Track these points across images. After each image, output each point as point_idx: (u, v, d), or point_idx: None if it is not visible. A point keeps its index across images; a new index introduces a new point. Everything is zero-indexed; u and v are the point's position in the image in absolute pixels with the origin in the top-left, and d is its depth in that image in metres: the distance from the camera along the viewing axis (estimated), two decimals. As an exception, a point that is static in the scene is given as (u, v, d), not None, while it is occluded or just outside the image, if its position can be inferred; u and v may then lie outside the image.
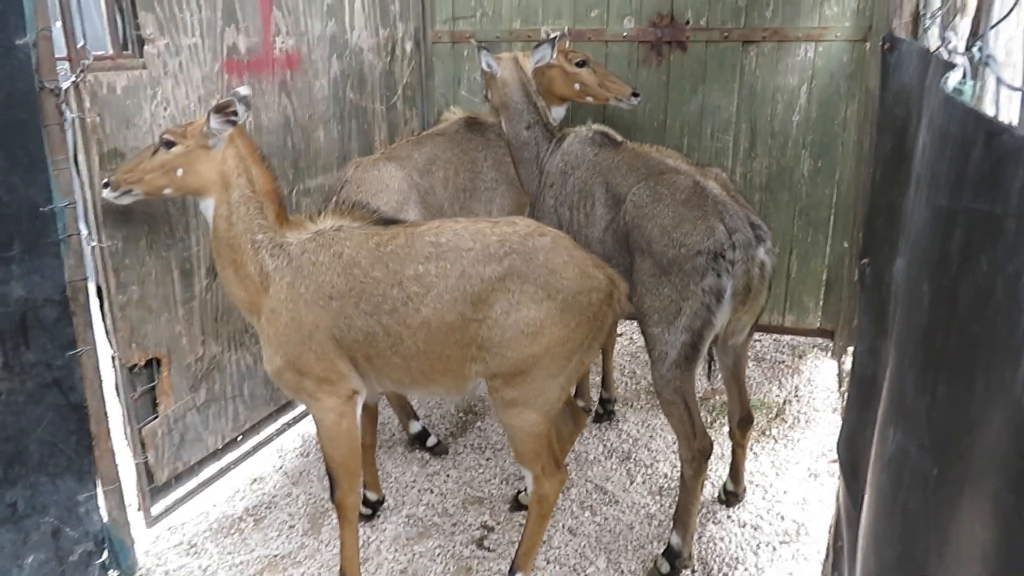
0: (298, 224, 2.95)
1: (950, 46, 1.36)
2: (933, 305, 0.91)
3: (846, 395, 2.87)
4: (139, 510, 3.42)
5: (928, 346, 0.93)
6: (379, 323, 2.76)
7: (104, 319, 3.19)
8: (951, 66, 1.18)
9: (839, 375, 4.66)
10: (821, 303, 5.11)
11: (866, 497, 1.16)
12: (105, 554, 3.18)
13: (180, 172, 2.84)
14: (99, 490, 3.14)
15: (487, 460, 4.05)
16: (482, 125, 4.52)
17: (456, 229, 2.84)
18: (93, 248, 3.09)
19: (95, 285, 3.14)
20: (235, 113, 2.77)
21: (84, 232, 3.04)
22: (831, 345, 5.04)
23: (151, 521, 3.46)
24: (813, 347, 5.13)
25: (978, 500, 0.71)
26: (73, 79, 2.90)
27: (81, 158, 3.00)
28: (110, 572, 3.20)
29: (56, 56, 2.84)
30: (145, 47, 3.18)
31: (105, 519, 3.17)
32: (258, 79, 3.78)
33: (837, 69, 4.72)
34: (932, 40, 2.42)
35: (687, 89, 5.00)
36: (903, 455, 0.95)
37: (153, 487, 3.45)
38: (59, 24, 2.88)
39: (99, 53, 3.06)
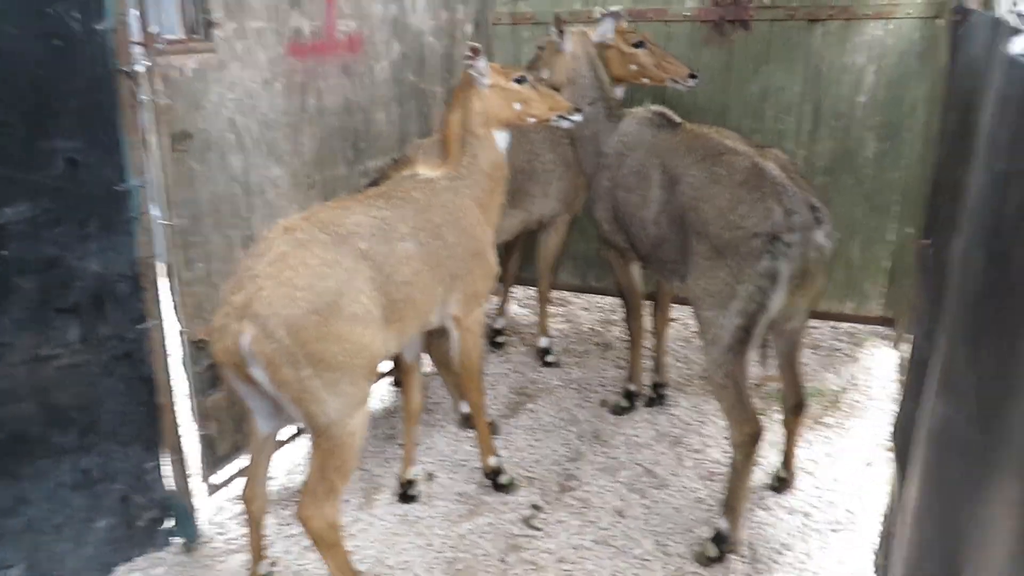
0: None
1: (1017, 9, 1.32)
2: (987, 271, 0.90)
3: (903, 381, 2.81)
4: (202, 480, 3.54)
5: (979, 314, 0.92)
6: None
7: (172, 295, 3.31)
8: (1017, 32, 1.15)
9: (899, 364, 4.54)
10: (883, 291, 4.97)
11: (912, 475, 1.14)
12: (170, 521, 3.31)
13: None
14: (165, 459, 3.27)
15: (538, 441, 4.08)
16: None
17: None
18: (162, 226, 3.21)
19: (164, 262, 3.26)
20: None
21: (153, 211, 3.15)
22: (892, 334, 4.91)
23: (212, 490, 3.58)
24: (873, 335, 5.00)
25: (1014, 460, 0.70)
26: (147, 63, 3.00)
27: (152, 139, 3.11)
28: (174, 539, 3.33)
29: (131, 41, 2.94)
30: (214, 31, 3.27)
31: (170, 487, 3.31)
32: (321, 62, 3.86)
33: (907, 48, 4.56)
34: (1002, 8, 2.34)
35: (750, 69, 4.91)
36: (949, 426, 0.94)
37: (215, 458, 3.57)
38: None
39: (170, 37, 3.17)
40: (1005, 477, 0.73)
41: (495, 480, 3.67)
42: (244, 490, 2.99)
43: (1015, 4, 1.52)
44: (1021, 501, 0.66)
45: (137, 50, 2.98)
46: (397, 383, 4.62)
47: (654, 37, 4.62)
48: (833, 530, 3.32)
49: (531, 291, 5.71)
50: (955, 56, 2.00)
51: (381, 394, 4.62)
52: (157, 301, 3.15)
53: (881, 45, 4.60)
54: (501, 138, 3.44)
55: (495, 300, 5.71)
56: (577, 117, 3.52)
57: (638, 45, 4.41)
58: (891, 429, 2.33)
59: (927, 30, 4.48)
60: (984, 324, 0.90)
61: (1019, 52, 0.97)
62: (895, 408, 4.07)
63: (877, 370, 4.62)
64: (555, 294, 5.70)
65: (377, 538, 3.39)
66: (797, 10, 4.69)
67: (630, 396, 4.32)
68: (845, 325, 5.12)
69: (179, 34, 3.25)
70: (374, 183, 3.39)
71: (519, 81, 3.40)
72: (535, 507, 3.55)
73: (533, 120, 3.47)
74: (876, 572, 2.82)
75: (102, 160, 2.90)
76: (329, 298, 2.58)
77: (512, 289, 5.49)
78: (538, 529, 3.40)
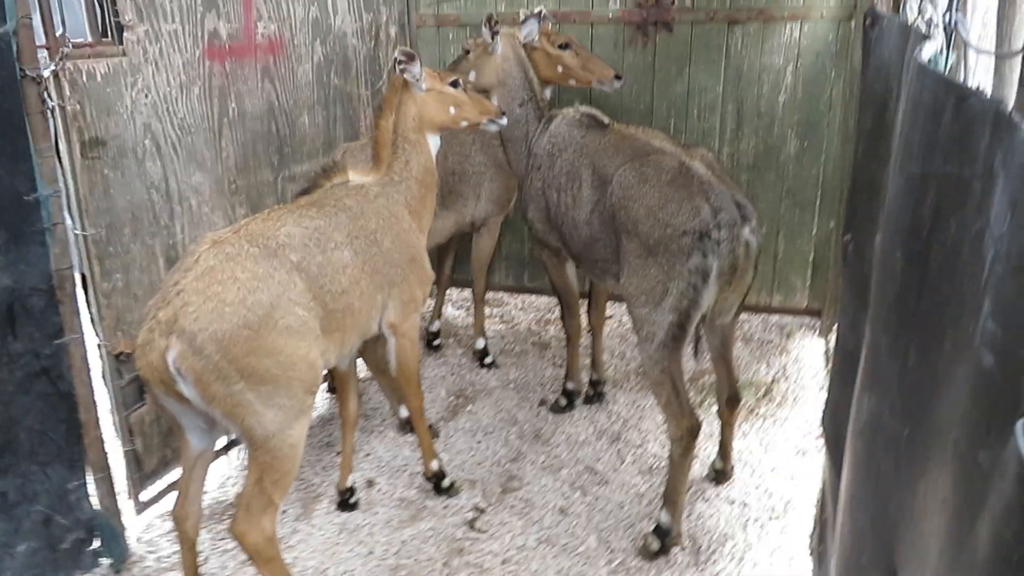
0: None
1: (926, 16, 1.37)
2: (906, 271, 0.93)
3: (830, 370, 2.92)
4: (129, 498, 3.41)
5: (901, 311, 0.95)
6: None
7: (89, 307, 3.17)
8: (928, 37, 1.19)
9: (826, 354, 4.69)
10: (808, 283, 5.13)
11: (843, 466, 1.17)
12: (97, 542, 3.18)
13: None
14: (89, 478, 3.14)
15: (478, 443, 4.07)
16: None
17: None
18: (77, 236, 3.07)
19: (79, 274, 3.12)
20: None
21: (68, 221, 3.02)
22: (818, 324, 5.07)
23: (141, 508, 3.46)
24: (801, 327, 5.16)
25: (941, 454, 0.72)
26: (53, 67, 2.87)
27: (63, 146, 2.98)
28: (102, 560, 3.20)
29: (36, 44, 2.81)
30: (125, 34, 3.14)
31: (96, 507, 3.17)
32: (240, 65, 3.75)
33: (823, 48, 4.71)
34: (912, 14, 2.44)
35: (673, 70, 4.99)
36: (877, 420, 0.97)
37: (142, 474, 3.44)
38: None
39: (78, 40, 3.03)
40: (932, 472, 0.76)
41: (437, 484, 3.64)
42: (175, 508, 2.89)
43: (920, 10, 1.59)
44: (950, 497, 0.69)
45: (42, 54, 2.85)
46: (332, 390, 4.54)
47: (579, 39, 4.66)
48: (771, 518, 3.41)
49: (466, 292, 5.69)
50: (868, 58, 2.07)
51: (317, 402, 4.53)
52: (76, 314, 3.01)
53: (797, 46, 4.75)
54: (433, 143, 3.43)
55: (430, 303, 5.67)
56: (503, 121, 3.57)
57: (564, 47, 4.43)
58: (821, 417, 2.40)
59: (840, 31, 4.64)
60: (906, 322, 0.93)
61: (929, 58, 1.00)
62: (825, 397, 4.22)
63: (807, 360, 4.77)
64: (491, 295, 5.70)
65: (317, 548, 3.32)
66: (717, 12, 4.80)
67: (569, 394, 4.34)
68: (775, 317, 5.26)
69: (87, 37, 3.12)
70: (305, 191, 3.32)
71: (454, 85, 3.41)
72: (478, 509, 3.54)
73: (465, 124, 3.49)
74: (811, 556, 2.91)
75: (9, 169, 2.76)
76: (261, 312, 2.53)
77: (447, 291, 5.46)
78: (481, 531, 3.39)
